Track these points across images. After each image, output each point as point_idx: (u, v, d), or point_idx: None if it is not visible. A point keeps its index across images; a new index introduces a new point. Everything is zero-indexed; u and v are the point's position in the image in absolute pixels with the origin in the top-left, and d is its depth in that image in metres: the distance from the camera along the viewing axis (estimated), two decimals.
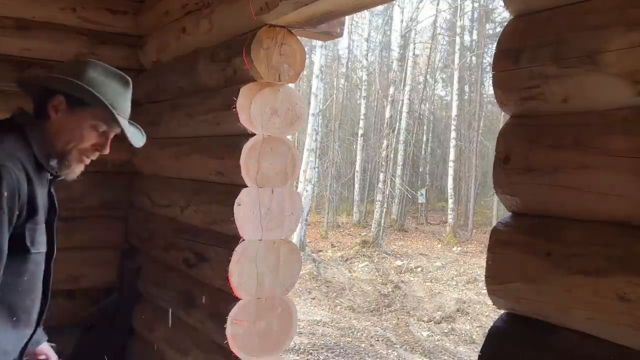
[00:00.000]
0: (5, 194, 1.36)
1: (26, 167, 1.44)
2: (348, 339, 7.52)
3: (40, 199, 1.50)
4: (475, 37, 22.54)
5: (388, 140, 15.91)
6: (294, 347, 6.76)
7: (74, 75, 1.52)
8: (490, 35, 20.83)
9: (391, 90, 16.04)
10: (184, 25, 2.78)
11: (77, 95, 1.50)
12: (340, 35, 2.48)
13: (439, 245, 15.50)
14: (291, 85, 2.61)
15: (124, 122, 1.57)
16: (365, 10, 3.86)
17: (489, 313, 8.88)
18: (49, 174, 1.57)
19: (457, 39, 19.40)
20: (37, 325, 1.60)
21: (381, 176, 15.57)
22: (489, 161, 19.55)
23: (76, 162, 1.58)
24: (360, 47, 21.86)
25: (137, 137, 1.65)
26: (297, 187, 12.75)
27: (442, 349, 7.53)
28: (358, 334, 7.81)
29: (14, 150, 1.44)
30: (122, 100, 1.59)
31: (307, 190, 13.30)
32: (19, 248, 1.44)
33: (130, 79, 1.63)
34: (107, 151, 1.60)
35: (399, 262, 12.60)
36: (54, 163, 1.55)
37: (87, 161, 1.60)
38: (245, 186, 2.29)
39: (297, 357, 6.55)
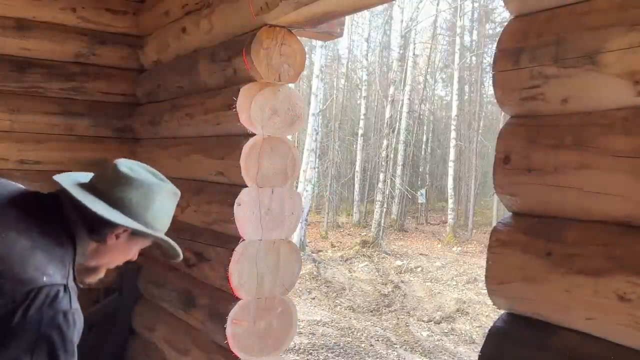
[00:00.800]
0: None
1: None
2: (348, 339, 7.51)
3: None
4: (475, 37, 22.56)
5: (388, 140, 15.91)
6: (294, 347, 6.76)
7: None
8: (490, 35, 20.84)
9: (391, 90, 16.03)
10: (184, 25, 2.78)
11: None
12: (340, 35, 2.48)
13: (439, 245, 15.50)
14: (291, 85, 2.61)
15: (174, 243, 1.53)
16: (365, 10, 3.86)
17: (489, 313, 8.89)
18: None
19: (457, 39, 19.42)
20: None
21: (381, 176, 15.57)
22: (489, 161, 19.55)
23: (104, 271, 1.49)
24: (360, 47, 21.85)
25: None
26: (297, 187, 12.75)
27: (442, 349, 7.53)
28: (358, 334, 7.81)
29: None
30: (171, 218, 1.56)
31: (307, 190, 13.30)
32: None
33: (179, 193, 1.59)
34: (135, 258, 1.53)
35: (399, 262, 12.60)
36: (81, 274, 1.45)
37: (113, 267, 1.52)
38: (245, 186, 2.29)
39: (297, 357, 6.55)
